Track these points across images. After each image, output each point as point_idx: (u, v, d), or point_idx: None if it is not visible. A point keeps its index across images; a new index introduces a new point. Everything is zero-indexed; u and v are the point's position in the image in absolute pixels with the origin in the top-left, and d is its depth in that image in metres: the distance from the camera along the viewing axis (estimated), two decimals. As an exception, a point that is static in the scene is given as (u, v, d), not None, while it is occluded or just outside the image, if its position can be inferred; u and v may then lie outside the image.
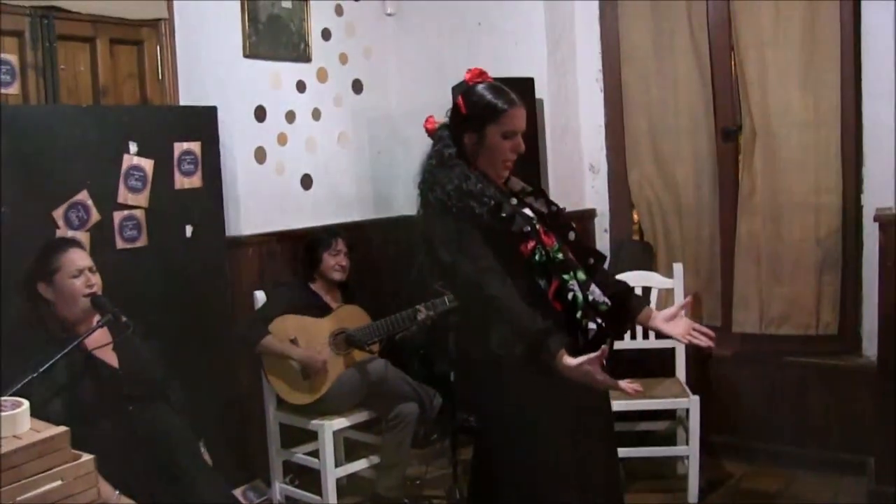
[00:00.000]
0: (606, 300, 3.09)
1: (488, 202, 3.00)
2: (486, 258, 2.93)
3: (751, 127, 5.26)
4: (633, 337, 5.07)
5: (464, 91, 3.20)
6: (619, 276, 3.51)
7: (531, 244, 2.96)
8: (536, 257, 2.95)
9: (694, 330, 3.14)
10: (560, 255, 3.01)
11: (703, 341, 3.13)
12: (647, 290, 5.16)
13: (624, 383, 2.83)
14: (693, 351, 5.30)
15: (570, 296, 2.96)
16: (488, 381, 3.17)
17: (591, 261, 3.19)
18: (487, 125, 3.11)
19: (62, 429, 2.91)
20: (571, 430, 3.06)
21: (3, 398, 2.96)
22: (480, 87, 3.18)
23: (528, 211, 3.10)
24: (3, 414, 2.84)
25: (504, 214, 2.99)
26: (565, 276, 2.98)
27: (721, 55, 5.44)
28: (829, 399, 5.16)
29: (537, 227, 3.03)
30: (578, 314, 2.96)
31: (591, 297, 3.02)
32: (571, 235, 3.18)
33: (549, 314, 2.94)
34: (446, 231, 2.99)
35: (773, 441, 5.34)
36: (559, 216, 3.18)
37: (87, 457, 2.96)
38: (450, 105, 3.34)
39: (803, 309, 5.23)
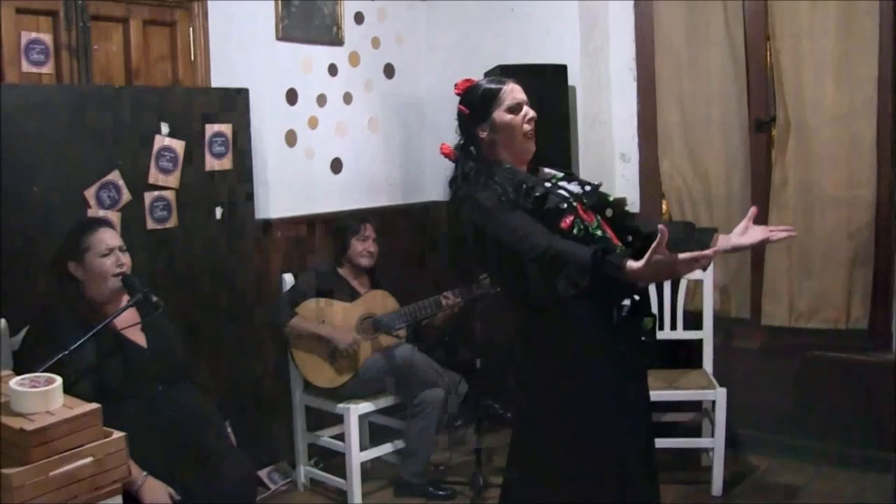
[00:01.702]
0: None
1: (520, 186, 2.99)
2: (522, 225, 2.92)
3: (784, 119, 5.22)
4: (661, 328, 5.05)
5: (460, 97, 3.22)
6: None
7: (569, 219, 2.93)
8: (575, 231, 2.93)
9: (771, 231, 3.13)
10: (599, 232, 3.00)
11: (786, 233, 3.13)
12: (675, 280, 5.15)
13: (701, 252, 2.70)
14: (720, 342, 5.30)
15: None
16: (529, 372, 3.18)
17: (630, 238, 3.16)
18: (492, 110, 3.12)
19: (94, 406, 2.94)
20: (611, 421, 3.04)
21: (36, 375, 2.98)
22: (470, 86, 3.22)
23: (562, 192, 3.08)
24: (36, 390, 2.86)
25: (538, 194, 2.98)
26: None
27: (756, 46, 5.39)
28: (857, 395, 5.11)
29: (574, 204, 3.01)
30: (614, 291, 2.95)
31: None
32: (609, 212, 3.15)
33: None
34: (480, 218, 2.98)
35: (799, 435, 5.31)
36: (596, 194, 3.15)
37: (118, 434, 2.98)
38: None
39: (833, 303, 5.19)
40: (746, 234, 3.13)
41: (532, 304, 3.03)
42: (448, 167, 3.25)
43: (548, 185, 3.08)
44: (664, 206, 5.89)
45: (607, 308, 2.97)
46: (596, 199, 3.10)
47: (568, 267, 2.74)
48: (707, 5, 5.46)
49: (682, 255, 2.60)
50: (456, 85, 3.25)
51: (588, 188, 3.14)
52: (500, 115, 3.11)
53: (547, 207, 2.96)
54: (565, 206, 2.98)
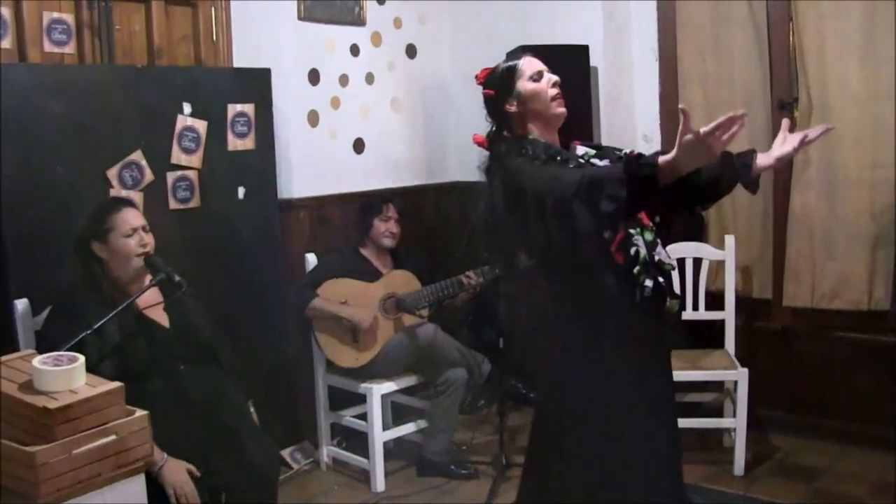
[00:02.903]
0: (673, 262, 3.07)
1: (555, 156, 3.00)
2: (555, 172, 2.91)
3: (807, 100, 5.19)
4: (683, 308, 5.04)
5: (483, 84, 3.23)
6: (670, 248, 3.45)
7: None
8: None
9: (807, 133, 3.09)
10: None
11: (822, 130, 3.11)
12: (698, 261, 5.14)
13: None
14: (743, 323, 5.29)
15: (632, 250, 2.94)
16: (552, 352, 3.19)
17: (657, 219, 3.15)
18: (516, 82, 3.13)
19: (117, 384, 2.96)
20: (634, 401, 3.04)
21: (59, 353, 3.00)
22: (490, 70, 3.24)
23: (602, 164, 3.07)
24: (60, 368, 2.88)
25: (572, 165, 2.98)
26: (631, 231, 2.96)
27: (779, 27, 5.35)
28: (879, 376, 5.10)
29: None
30: (636, 269, 2.94)
31: (657, 258, 3.00)
32: None
33: (609, 266, 2.94)
34: (515, 181, 2.96)
35: (821, 416, 5.31)
36: None
37: (140, 413, 3.00)
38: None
39: (855, 284, 5.17)
40: (785, 143, 3.11)
41: (575, 257, 2.97)
42: (474, 149, 3.26)
43: (581, 160, 3.08)
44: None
45: (632, 286, 2.96)
46: None
47: (606, 184, 2.68)
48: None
49: (705, 129, 2.53)
50: (476, 76, 3.27)
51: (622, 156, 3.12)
52: (524, 84, 3.12)
53: None
54: None
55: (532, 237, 2.96)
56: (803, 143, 3.06)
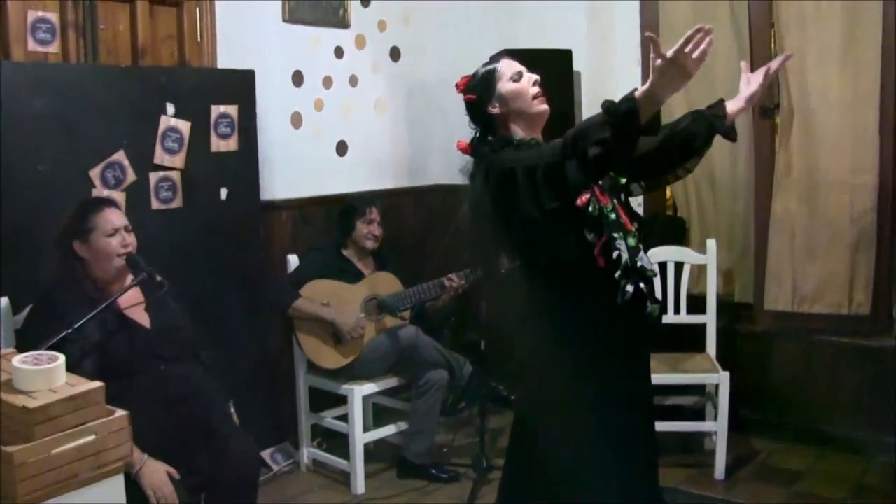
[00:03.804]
0: (655, 269, 3.10)
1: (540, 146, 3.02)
2: (537, 149, 2.96)
3: (788, 104, 5.23)
4: (665, 312, 5.06)
5: (464, 91, 3.25)
6: (652, 252, 3.48)
7: (586, 196, 2.94)
8: (590, 208, 2.93)
9: (769, 67, 3.24)
10: (613, 215, 3.00)
11: (782, 59, 3.27)
12: (679, 265, 5.16)
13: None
14: (724, 326, 5.31)
15: (615, 254, 2.96)
16: (532, 355, 3.20)
17: (636, 225, 3.17)
18: (496, 84, 3.15)
19: (97, 384, 2.95)
20: (614, 407, 3.05)
21: (39, 352, 2.99)
22: (469, 76, 3.26)
23: None
24: (39, 367, 2.88)
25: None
26: (615, 235, 2.97)
27: (760, 31, 5.38)
28: (859, 379, 5.14)
29: (591, 184, 3.00)
30: (617, 273, 2.96)
31: (639, 264, 3.01)
32: (622, 197, 3.16)
33: (590, 270, 2.96)
34: (501, 168, 2.96)
35: (802, 419, 5.34)
36: (609, 177, 3.14)
37: (120, 412, 2.99)
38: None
39: (836, 288, 5.21)
40: (750, 83, 3.24)
41: (557, 259, 3.00)
42: (457, 152, 3.26)
43: None
44: (668, 191, 5.89)
45: (613, 290, 2.98)
46: (610, 183, 3.10)
47: (591, 132, 2.67)
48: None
49: (674, 48, 2.53)
50: (457, 85, 3.28)
51: None
52: (505, 85, 3.14)
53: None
54: None
55: (518, 233, 2.98)
56: (768, 77, 3.20)
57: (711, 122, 3.18)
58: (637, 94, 2.61)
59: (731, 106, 3.24)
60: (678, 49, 2.51)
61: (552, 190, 2.80)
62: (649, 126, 2.69)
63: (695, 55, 2.54)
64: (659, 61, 2.56)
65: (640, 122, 2.60)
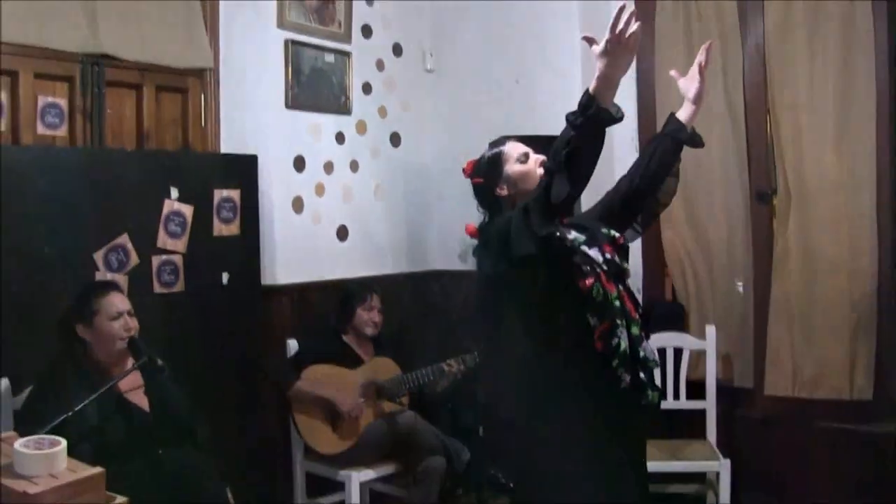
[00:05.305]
0: (657, 360, 3.12)
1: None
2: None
3: (785, 189, 5.26)
4: (664, 397, 5.05)
5: (471, 175, 3.31)
6: (652, 337, 3.50)
7: (590, 280, 2.96)
8: (594, 293, 2.96)
9: (697, 62, 3.34)
10: (618, 302, 3.02)
11: (705, 49, 3.34)
12: (678, 350, 5.16)
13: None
14: (723, 411, 5.28)
15: (614, 341, 2.97)
16: (524, 437, 3.18)
17: (640, 312, 3.18)
18: (503, 166, 3.21)
19: (98, 469, 2.92)
20: (610, 494, 3.04)
21: (40, 437, 2.98)
22: (475, 160, 3.33)
23: (592, 254, 3.10)
24: (41, 452, 2.86)
25: (567, 244, 3.02)
26: (618, 322, 2.99)
27: (756, 117, 5.43)
28: (862, 465, 5.08)
29: (598, 271, 3.03)
30: (615, 362, 2.97)
31: (642, 353, 3.03)
32: (628, 282, 3.18)
33: (588, 354, 2.97)
34: (502, 230, 3.00)
35: (804, 506, 5.29)
36: (615, 264, 3.16)
37: (121, 499, 2.96)
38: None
39: (837, 373, 5.18)
40: (689, 85, 3.36)
41: (558, 340, 3.03)
42: (455, 237, 3.30)
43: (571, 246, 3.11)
44: (666, 278, 5.90)
45: (610, 378, 2.98)
46: (615, 269, 3.12)
47: (561, 143, 2.79)
48: (708, 75, 5.40)
49: (605, 37, 2.65)
50: (464, 169, 3.34)
51: (608, 256, 3.14)
52: (512, 167, 3.20)
53: (574, 260, 3.01)
54: (588, 268, 3.01)
55: (519, 289, 3.02)
56: (702, 70, 3.31)
57: (672, 136, 3.31)
58: (590, 88, 2.72)
59: (683, 114, 3.35)
60: (610, 33, 2.63)
61: (542, 215, 2.86)
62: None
63: (628, 33, 2.64)
64: (595, 47, 2.68)
65: (602, 105, 2.72)
